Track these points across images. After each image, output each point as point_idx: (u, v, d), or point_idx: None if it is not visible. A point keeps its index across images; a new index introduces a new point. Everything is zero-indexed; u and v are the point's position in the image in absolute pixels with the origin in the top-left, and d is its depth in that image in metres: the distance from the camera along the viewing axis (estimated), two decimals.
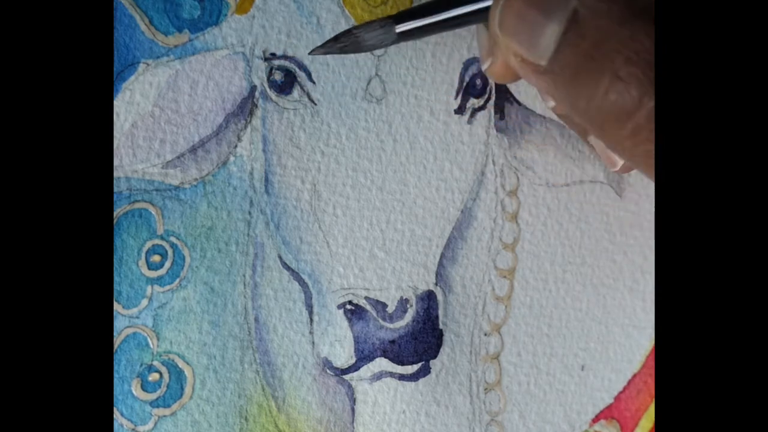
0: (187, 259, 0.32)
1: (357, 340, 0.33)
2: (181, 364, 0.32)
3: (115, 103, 0.31)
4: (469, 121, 0.34)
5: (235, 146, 0.32)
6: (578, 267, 0.35)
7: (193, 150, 0.32)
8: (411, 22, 0.28)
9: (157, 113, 0.31)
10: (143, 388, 0.31)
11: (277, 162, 0.32)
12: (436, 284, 0.34)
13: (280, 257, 0.33)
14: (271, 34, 0.32)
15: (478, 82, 0.33)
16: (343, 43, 0.29)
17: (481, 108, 0.34)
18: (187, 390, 0.32)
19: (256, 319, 0.32)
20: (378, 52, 0.32)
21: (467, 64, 0.33)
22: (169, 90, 0.31)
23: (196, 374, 0.32)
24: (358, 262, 0.33)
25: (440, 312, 0.34)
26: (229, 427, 0.32)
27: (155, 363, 0.32)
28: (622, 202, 0.35)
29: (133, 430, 0.31)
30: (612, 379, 0.36)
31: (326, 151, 0.33)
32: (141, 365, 0.31)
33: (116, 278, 0.31)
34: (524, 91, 0.34)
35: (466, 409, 0.34)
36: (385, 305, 0.33)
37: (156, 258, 0.31)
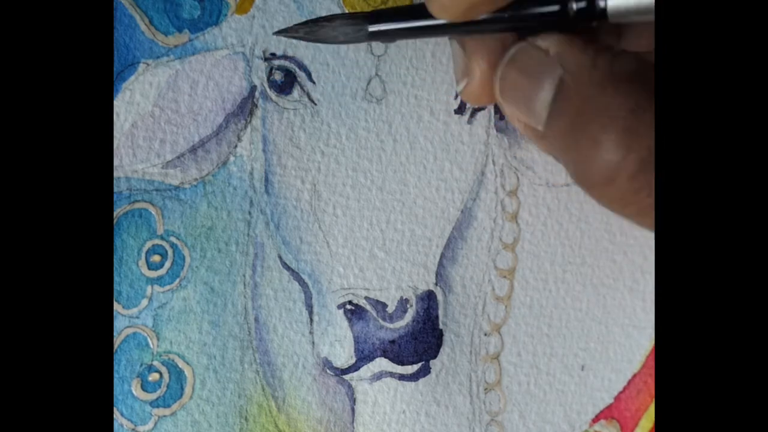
0: (187, 259, 0.32)
1: (357, 340, 0.33)
2: (181, 364, 0.32)
3: (115, 103, 0.31)
4: (469, 121, 0.34)
5: (235, 146, 0.32)
6: (578, 267, 0.35)
7: (193, 150, 0.32)
8: (384, 24, 0.27)
9: (157, 113, 0.31)
10: (143, 388, 0.31)
11: (277, 162, 0.32)
12: (436, 284, 0.34)
13: (280, 257, 0.33)
14: (271, 34, 0.32)
15: None
16: (309, 29, 0.28)
17: (481, 108, 0.34)
18: (187, 390, 0.32)
19: (256, 319, 0.32)
20: (378, 51, 0.32)
21: None
22: (169, 90, 0.31)
23: (196, 374, 0.32)
24: (358, 262, 0.33)
25: (440, 312, 0.34)
26: (229, 427, 0.32)
27: (155, 363, 0.32)
28: None
29: (133, 430, 0.31)
30: (612, 379, 0.36)
31: (326, 151, 0.33)
32: (141, 365, 0.31)
33: (116, 278, 0.31)
34: None
35: (466, 409, 0.34)
36: (385, 305, 0.33)
37: (156, 258, 0.31)
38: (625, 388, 0.36)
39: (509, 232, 0.35)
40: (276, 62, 0.32)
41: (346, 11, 0.32)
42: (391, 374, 0.33)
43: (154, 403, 0.32)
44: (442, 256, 0.34)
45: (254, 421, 0.32)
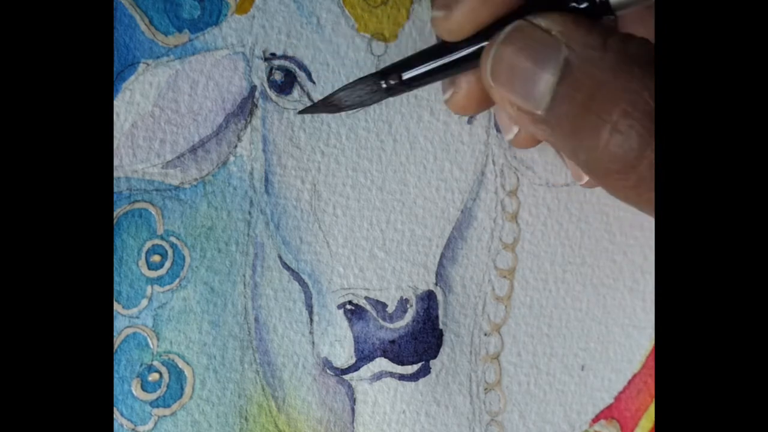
0: (187, 259, 0.32)
1: (357, 340, 0.33)
2: (181, 364, 0.32)
3: (115, 103, 0.31)
4: (469, 121, 0.34)
5: (235, 146, 0.32)
6: (578, 267, 0.35)
7: (193, 150, 0.32)
8: (396, 76, 0.27)
9: (157, 113, 0.31)
10: (143, 388, 0.31)
11: (277, 162, 0.32)
12: (436, 284, 0.34)
13: (280, 257, 0.33)
14: (271, 34, 0.32)
15: None
16: (327, 102, 0.28)
17: None
18: (187, 390, 0.32)
19: (256, 319, 0.32)
20: (378, 51, 0.32)
21: None
22: (169, 90, 0.31)
23: (196, 374, 0.32)
24: (358, 262, 0.33)
25: (440, 312, 0.34)
26: (229, 427, 0.32)
27: (155, 363, 0.32)
28: (622, 203, 0.35)
29: (133, 430, 0.31)
30: (612, 379, 0.36)
31: (326, 151, 0.33)
32: (141, 365, 0.31)
33: (116, 278, 0.31)
34: None
35: (466, 409, 0.34)
36: (385, 305, 0.33)
37: (156, 258, 0.31)
38: (625, 388, 0.36)
39: (509, 232, 0.35)
40: (276, 62, 0.32)
41: (347, 11, 0.32)
42: (391, 374, 0.33)
43: (154, 403, 0.32)
44: (442, 256, 0.34)
45: (254, 421, 0.32)
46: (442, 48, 0.27)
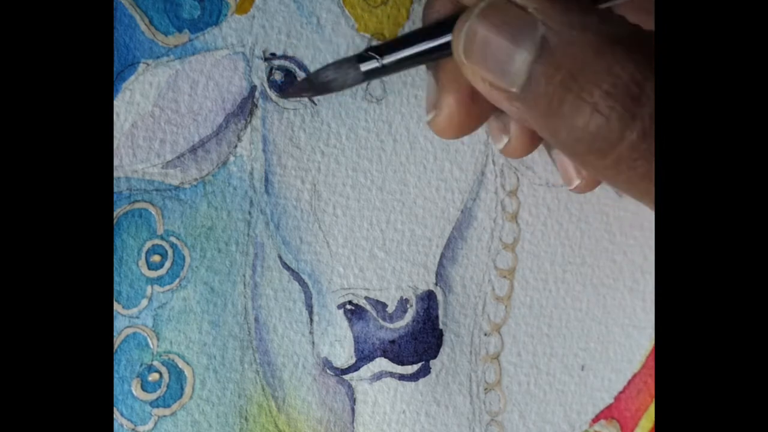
0: (187, 259, 0.32)
1: (357, 340, 0.33)
2: (181, 364, 0.32)
3: (115, 103, 0.31)
4: None
5: (235, 146, 0.32)
6: (578, 267, 0.35)
7: (193, 150, 0.32)
8: (372, 62, 0.27)
9: (157, 113, 0.31)
10: (143, 388, 0.31)
11: (277, 162, 0.32)
12: (436, 284, 0.34)
13: (280, 257, 0.33)
14: (271, 34, 0.32)
15: None
16: (310, 84, 0.28)
17: None
18: (187, 390, 0.32)
19: (256, 319, 0.32)
20: None
21: None
22: (169, 90, 0.31)
23: (196, 374, 0.32)
24: (358, 262, 0.33)
25: (440, 312, 0.34)
26: (229, 427, 0.32)
27: (155, 363, 0.32)
28: (622, 202, 0.35)
29: (133, 430, 0.31)
30: (612, 379, 0.36)
31: (326, 151, 0.33)
32: (141, 365, 0.31)
33: (116, 278, 0.31)
34: None
35: (466, 409, 0.34)
36: (385, 305, 0.33)
37: (156, 258, 0.31)
38: (625, 388, 0.36)
39: (509, 232, 0.35)
40: (276, 62, 0.32)
41: (347, 11, 0.32)
42: (391, 374, 0.33)
43: (154, 403, 0.32)
44: (442, 256, 0.34)
45: (254, 421, 0.32)
46: (421, 33, 0.27)
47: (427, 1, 0.28)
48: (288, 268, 0.33)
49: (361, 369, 0.33)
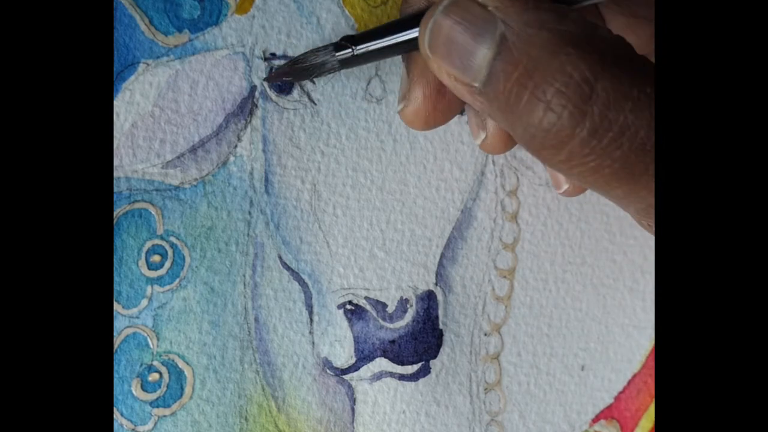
0: (187, 259, 0.32)
1: (357, 340, 0.33)
2: (181, 364, 0.32)
3: (115, 103, 0.31)
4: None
5: (235, 146, 0.32)
6: (578, 267, 0.35)
7: (193, 150, 0.32)
8: (348, 51, 0.28)
9: (157, 113, 0.31)
10: (143, 388, 0.31)
11: (277, 162, 0.32)
12: (436, 284, 0.34)
13: (280, 257, 0.33)
14: (271, 34, 0.32)
15: None
16: (291, 69, 0.30)
17: None
18: (187, 390, 0.32)
19: (256, 319, 0.32)
20: None
21: None
22: (169, 90, 0.31)
23: (196, 374, 0.32)
24: (358, 262, 0.33)
25: (440, 312, 0.34)
26: (229, 427, 0.32)
27: (155, 363, 0.32)
28: None
29: (133, 430, 0.31)
30: (612, 379, 0.36)
31: (326, 151, 0.33)
32: (141, 365, 0.31)
33: (116, 278, 0.31)
34: None
35: (466, 409, 0.34)
36: (385, 305, 0.33)
37: (156, 258, 0.31)
38: (625, 388, 0.36)
39: (509, 232, 0.35)
40: (276, 62, 0.32)
41: (347, 11, 0.32)
42: (391, 374, 0.33)
43: (154, 403, 0.32)
44: (442, 256, 0.34)
45: (254, 421, 0.32)
46: (394, 26, 0.28)
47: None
48: (288, 268, 0.33)
49: (361, 369, 0.33)
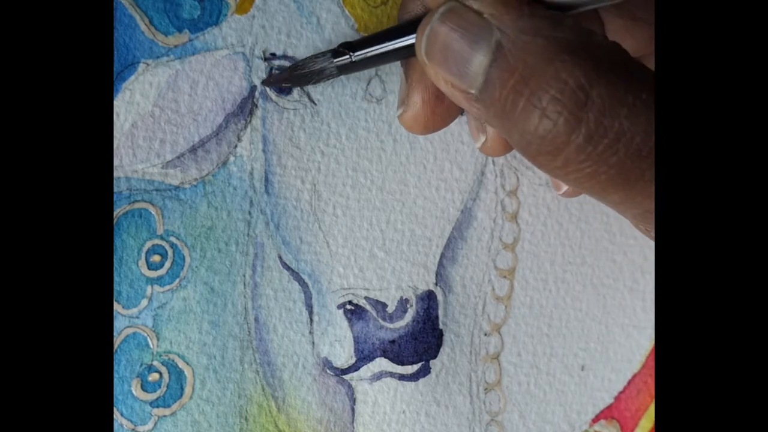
0: (187, 259, 0.32)
1: (357, 340, 0.33)
2: (181, 364, 0.32)
3: (115, 103, 0.31)
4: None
5: (235, 146, 0.32)
6: (578, 267, 0.35)
7: (193, 150, 0.32)
8: (345, 57, 0.29)
9: (157, 113, 0.31)
10: (143, 388, 0.31)
11: (277, 162, 0.32)
12: (436, 284, 0.34)
13: (280, 257, 0.33)
14: (271, 34, 0.32)
15: None
16: (290, 75, 0.30)
17: None
18: (187, 390, 0.32)
19: (256, 319, 0.32)
20: None
21: None
22: (169, 90, 0.31)
23: (196, 374, 0.32)
24: (358, 262, 0.33)
25: (440, 312, 0.34)
26: (229, 427, 0.32)
27: (155, 363, 0.32)
28: None
29: (133, 430, 0.31)
30: (612, 379, 0.36)
31: (326, 151, 0.33)
32: (141, 365, 0.31)
33: (116, 278, 0.31)
34: None
35: (466, 409, 0.34)
36: (385, 305, 0.33)
37: (156, 258, 0.31)
38: (625, 388, 0.36)
39: (509, 232, 0.35)
40: (276, 62, 0.32)
41: (347, 11, 0.32)
42: (391, 374, 0.33)
43: (154, 403, 0.32)
44: (442, 256, 0.34)
45: (254, 421, 0.32)
46: (391, 32, 0.28)
47: (402, 1, 0.29)
48: (288, 268, 0.33)
49: (361, 369, 0.33)
